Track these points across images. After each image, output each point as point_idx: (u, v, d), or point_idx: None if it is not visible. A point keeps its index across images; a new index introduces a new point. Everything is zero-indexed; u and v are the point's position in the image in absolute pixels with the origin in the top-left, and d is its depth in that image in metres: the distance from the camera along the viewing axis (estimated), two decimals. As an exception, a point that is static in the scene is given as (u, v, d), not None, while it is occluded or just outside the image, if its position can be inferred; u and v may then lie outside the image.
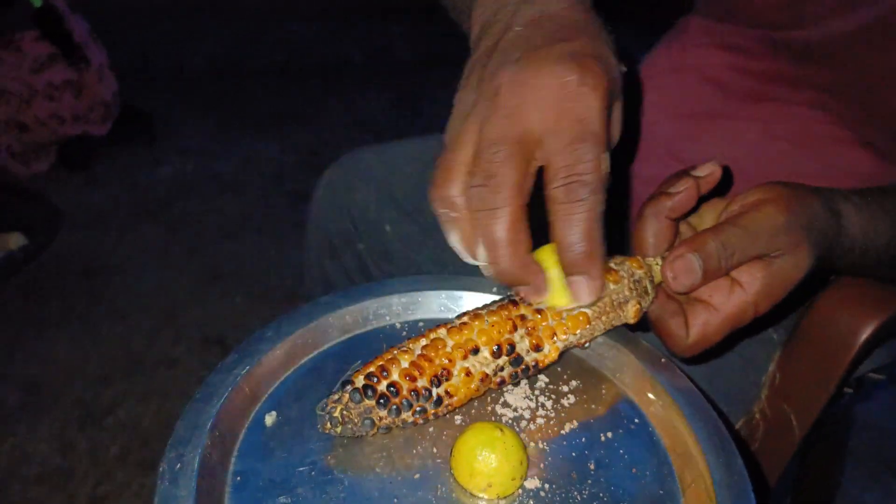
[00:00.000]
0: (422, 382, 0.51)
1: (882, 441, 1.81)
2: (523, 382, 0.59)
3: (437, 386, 0.51)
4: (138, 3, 4.50)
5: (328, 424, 0.50)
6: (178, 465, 0.46)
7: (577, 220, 0.49)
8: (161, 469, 0.46)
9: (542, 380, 0.59)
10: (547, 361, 0.55)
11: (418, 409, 0.51)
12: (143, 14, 4.35)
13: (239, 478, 0.49)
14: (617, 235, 0.54)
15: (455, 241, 0.54)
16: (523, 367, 0.54)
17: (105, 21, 2.94)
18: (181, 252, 2.32)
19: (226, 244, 2.37)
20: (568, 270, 0.52)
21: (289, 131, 3.12)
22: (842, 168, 0.84)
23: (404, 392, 0.50)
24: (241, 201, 2.62)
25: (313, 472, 0.49)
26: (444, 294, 0.67)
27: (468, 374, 0.52)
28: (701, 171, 0.60)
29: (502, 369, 0.54)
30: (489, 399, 0.57)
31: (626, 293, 0.56)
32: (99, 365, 1.85)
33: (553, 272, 0.53)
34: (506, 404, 0.57)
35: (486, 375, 0.53)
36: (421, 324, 0.65)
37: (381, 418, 0.50)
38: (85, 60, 2.57)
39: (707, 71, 0.94)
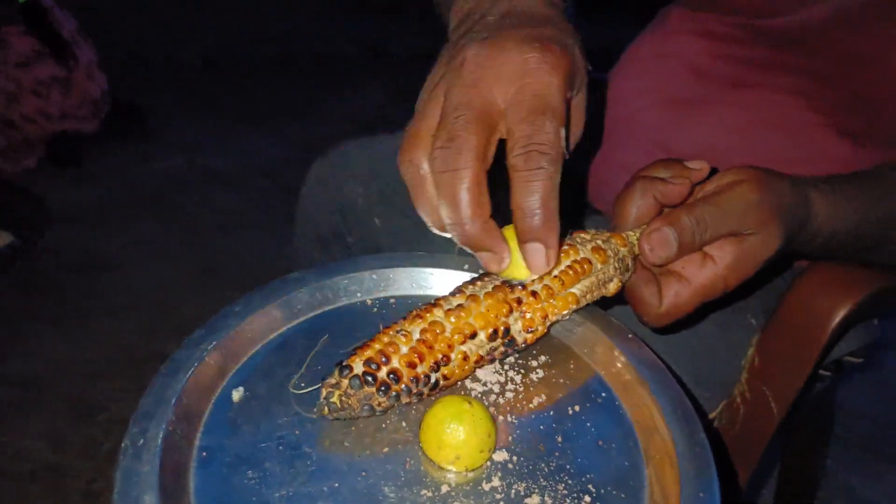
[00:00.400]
0: (422, 369, 0.52)
1: (868, 426, 1.83)
2: None
3: (436, 371, 0.52)
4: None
5: (326, 409, 0.50)
6: (142, 441, 0.47)
7: (535, 188, 0.51)
8: (124, 444, 0.47)
9: (512, 355, 0.60)
10: (534, 338, 0.56)
11: (416, 392, 0.52)
12: (135, 7, 4.33)
13: (205, 453, 0.49)
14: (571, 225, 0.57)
15: (421, 207, 0.55)
16: (515, 347, 0.56)
17: (97, 14, 2.94)
18: (175, 247, 2.32)
19: (220, 239, 2.37)
20: (523, 237, 0.53)
21: (283, 126, 3.12)
22: (819, 153, 0.86)
23: (405, 379, 0.51)
24: (235, 196, 2.63)
25: (281, 447, 0.50)
26: (414, 271, 0.68)
27: (465, 357, 0.53)
28: (693, 165, 0.62)
29: (496, 349, 0.55)
30: (460, 374, 0.58)
31: (611, 272, 0.58)
32: (92, 360, 1.86)
33: (513, 245, 0.54)
34: (475, 379, 0.58)
35: (481, 357, 0.54)
36: (392, 300, 0.66)
37: (380, 403, 0.51)
38: (73, 57, 2.56)
39: (688, 58, 0.95)
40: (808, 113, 0.86)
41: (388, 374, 0.50)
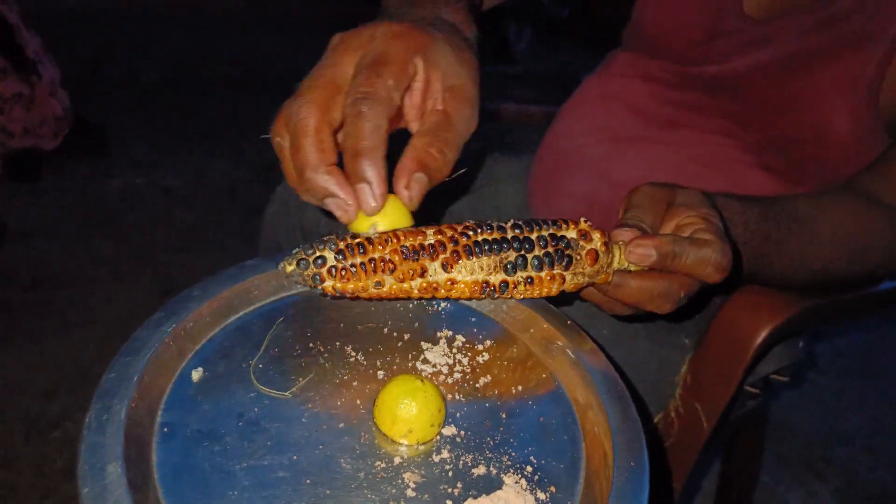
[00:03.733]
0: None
1: (803, 444, 1.90)
2: (441, 341, 0.64)
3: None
4: (89, 11, 4.44)
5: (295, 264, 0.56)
6: (105, 416, 0.49)
7: (357, 131, 0.56)
8: (87, 419, 0.49)
9: (460, 339, 0.65)
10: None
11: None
12: (94, 24, 4.29)
13: (166, 429, 0.52)
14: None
15: (286, 175, 0.61)
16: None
17: (56, 30, 2.92)
18: (132, 265, 2.31)
19: (177, 257, 2.37)
20: (352, 178, 0.57)
21: (242, 145, 3.13)
22: (746, 189, 0.93)
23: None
24: (192, 215, 2.62)
25: (240, 423, 0.53)
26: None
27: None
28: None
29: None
30: (410, 356, 0.62)
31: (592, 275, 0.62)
32: (46, 378, 1.84)
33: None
34: (425, 361, 0.62)
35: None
36: None
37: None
38: (37, 74, 2.55)
39: (631, 99, 1.04)
40: (734, 152, 0.95)
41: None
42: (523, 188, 1.14)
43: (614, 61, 1.10)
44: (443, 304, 0.69)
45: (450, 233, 0.58)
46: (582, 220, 0.62)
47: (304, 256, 0.56)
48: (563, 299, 0.65)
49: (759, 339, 0.85)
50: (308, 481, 0.49)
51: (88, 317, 2.06)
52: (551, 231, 0.60)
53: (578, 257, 0.60)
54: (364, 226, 0.60)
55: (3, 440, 1.65)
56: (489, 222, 0.59)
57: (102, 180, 2.78)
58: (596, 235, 0.61)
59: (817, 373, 2.13)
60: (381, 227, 0.59)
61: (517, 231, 0.59)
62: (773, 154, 0.92)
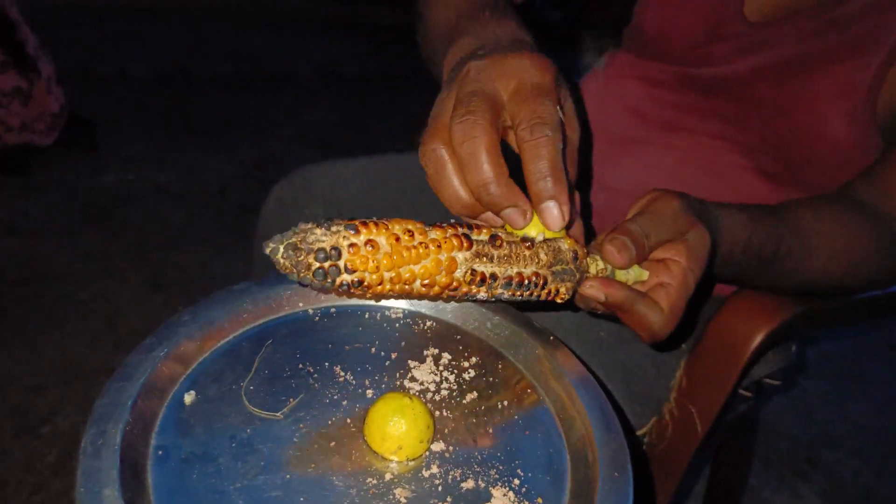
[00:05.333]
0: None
1: (789, 447, 1.92)
2: (428, 359, 0.65)
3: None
4: (81, 7, 4.41)
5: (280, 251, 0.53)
6: (101, 441, 0.50)
7: (542, 153, 0.57)
8: (83, 444, 0.50)
9: (446, 357, 0.66)
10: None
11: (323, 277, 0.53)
12: (85, 17, 4.27)
13: (160, 451, 0.53)
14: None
15: (443, 189, 0.60)
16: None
17: (48, 25, 2.91)
18: (122, 261, 2.31)
19: (168, 254, 2.36)
20: (538, 199, 0.58)
21: (234, 143, 3.13)
22: (742, 192, 0.94)
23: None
24: (184, 212, 2.62)
25: (233, 444, 0.54)
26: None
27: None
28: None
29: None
30: (397, 375, 0.63)
31: (543, 259, 0.61)
32: (35, 373, 1.83)
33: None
34: (413, 379, 0.63)
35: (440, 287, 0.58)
36: (333, 310, 0.71)
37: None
38: (36, 71, 2.55)
39: (628, 101, 1.04)
40: (731, 155, 0.95)
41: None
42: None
43: (613, 62, 1.10)
44: (428, 324, 0.70)
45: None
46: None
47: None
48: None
49: (755, 343, 0.86)
50: (301, 500, 0.50)
51: (78, 312, 2.06)
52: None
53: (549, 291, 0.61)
54: (538, 229, 0.61)
55: (-8, 434, 1.65)
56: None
57: (94, 176, 2.77)
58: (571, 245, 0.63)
59: (804, 376, 2.15)
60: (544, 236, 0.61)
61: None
62: (770, 157, 0.93)
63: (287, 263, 0.53)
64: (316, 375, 0.62)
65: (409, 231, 0.56)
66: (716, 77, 0.95)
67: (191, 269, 2.30)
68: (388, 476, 0.53)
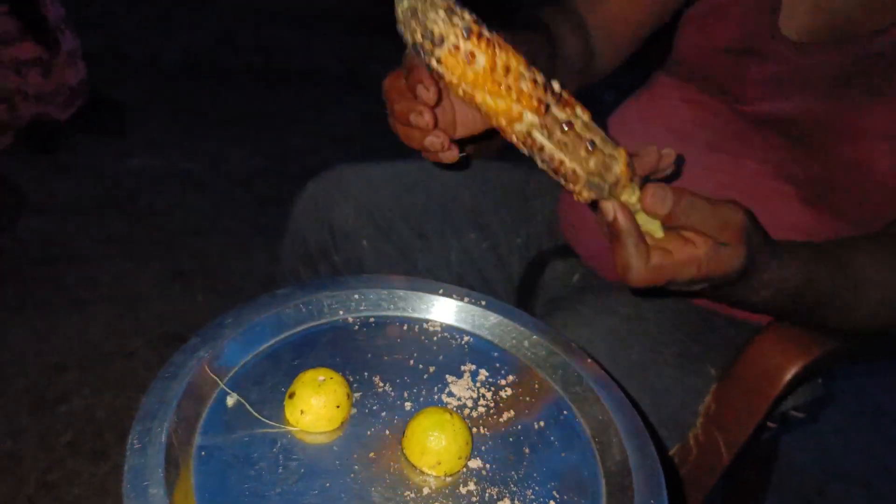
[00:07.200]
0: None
1: (802, 479, 1.91)
2: (465, 375, 0.66)
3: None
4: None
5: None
6: (148, 438, 0.51)
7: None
8: (130, 441, 0.50)
9: (483, 373, 0.67)
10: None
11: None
12: (120, 2, 4.31)
13: (203, 453, 0.54)
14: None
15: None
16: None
17: (82, 5, 2.92)
18: (145, 245, 2.32)
19: (190, 241, 2.37)
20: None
21: (259, 135, 3.13)
22: (784, 219, 0.93)
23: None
24: (208, 201, 2.63)
25: (274, 450, 0.54)
26: (393, 292, 0.74)
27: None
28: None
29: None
30: (435, 389, 0.64)
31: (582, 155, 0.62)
32: (54, 353, 1.85)
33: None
34: (450, 393, 0.64)
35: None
36: (371, 319, 0.71)
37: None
38: (56, 43, 2.55)
39: (670, 122, 1.03)
40: (775, 181, 0.94)
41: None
42: (554, 203, 1.16)
43: (656, 83, 1.09)
44: (466, 339, 0.71)
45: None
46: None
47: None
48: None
49: (789, 375, 0.86)
50: (340, 509, 0.51)
51: (99, 294, 2.07)
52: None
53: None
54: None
55: (9, 410, 1.67)
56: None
57: (119, 159, 2.78)
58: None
59: (818, 406, 2.13)
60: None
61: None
62: (812, 188, 0.92)
63: (401, 16, 0.57)
64: (356, 385, 0.62)
65: (508, 69, 0.57)
66: (758, 111, 0.95)
67: (211, 259, 2.31)
68: (425, 490, 0.54)
